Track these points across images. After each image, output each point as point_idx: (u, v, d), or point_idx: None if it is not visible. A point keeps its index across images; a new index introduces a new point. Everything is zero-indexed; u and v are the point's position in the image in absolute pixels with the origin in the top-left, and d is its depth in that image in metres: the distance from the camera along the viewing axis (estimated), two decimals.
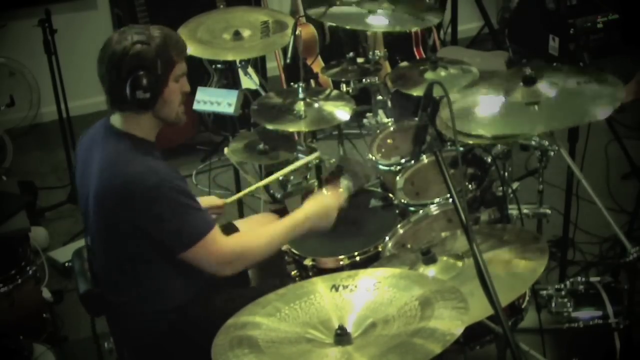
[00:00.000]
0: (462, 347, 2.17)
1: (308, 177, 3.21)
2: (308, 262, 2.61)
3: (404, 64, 3.33)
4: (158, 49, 2.22)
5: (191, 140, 4.86)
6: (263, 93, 3.36)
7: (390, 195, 2.87)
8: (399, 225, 2.59)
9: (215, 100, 3.31)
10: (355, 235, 2.74)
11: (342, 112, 3.02)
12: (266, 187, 3.27)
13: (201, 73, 4.62)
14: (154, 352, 2.41)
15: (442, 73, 3.09)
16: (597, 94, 2.33)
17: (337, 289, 1.81)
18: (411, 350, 1.57)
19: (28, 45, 4.85)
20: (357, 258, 2.61)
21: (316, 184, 3.15)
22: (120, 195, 2.21)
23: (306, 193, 3.01)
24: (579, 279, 2.61)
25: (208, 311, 2.36)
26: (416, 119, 1.99)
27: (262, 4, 5.05)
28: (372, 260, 2.56)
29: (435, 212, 2.60)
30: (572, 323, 2.50)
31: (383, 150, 3.13)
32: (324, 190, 2.59)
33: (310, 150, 3.15)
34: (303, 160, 2.93)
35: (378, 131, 3.22)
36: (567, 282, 2.59)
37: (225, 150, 3.19)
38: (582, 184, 2.29)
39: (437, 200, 2.62)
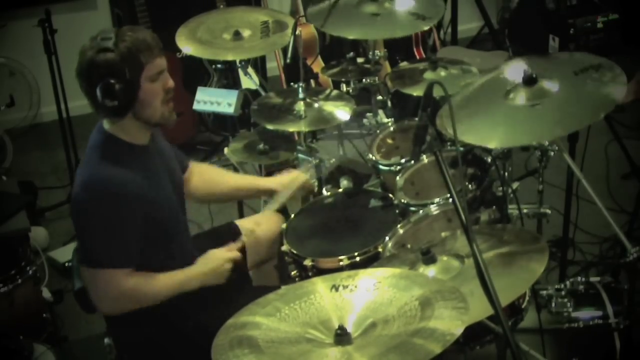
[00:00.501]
0: (462, 347, 2.17)
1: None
2: (308, 262, 2.61)
3: (404, 64, 3.33)
4: (123, 55, 2.20)
5: (191, 140, 4.86)
6: (263, 93, 3.36)
7: (390, 195, 2.87)
8: (399, 225, 2.59)
9: (215, 100, 3.32)
10: (355, 235, 2.74)
11: (342, 112, 3.02)
12: None
13: (201, 73, 4.63)
14: (153, 352, 2.41)
15: (442, 73, 3.09)
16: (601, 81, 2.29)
17: (337, 289, 1.81)
18: (411, 350, 1.57)
19: (28, 45, 4.85)
20: (357, 258, 2.61)
21: (316, 184, 3.16)
22: (74, 192, 2.30)
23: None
24: (579, 279, 2.61)
25: (207, 311, 2.36)
26: (416, 119, 1.99)
27: (262, 4, 5.05)
28: (372, 260, 2.55)
29: (435, 212, 2.60)
30: (572, 323, 2.50)
31: (383, 150, 3.13)
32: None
33: (311, 150, 3.15)
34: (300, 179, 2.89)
35: (378, 131, 3.22)
36: (567, 282, 2.59)
37: (225, 150, 3.19)
38: (582, 184, 2.29)
39: (437, 200, 2.62)
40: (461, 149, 2.72)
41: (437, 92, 1.92)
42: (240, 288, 2.51)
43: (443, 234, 2.32)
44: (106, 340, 2.51)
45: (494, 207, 2.65)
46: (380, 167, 3.00)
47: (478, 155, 2.76)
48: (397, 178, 2.82)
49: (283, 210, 3.03)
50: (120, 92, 2.22)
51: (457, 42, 5.43)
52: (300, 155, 3.16)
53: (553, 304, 2.52)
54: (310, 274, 2.60)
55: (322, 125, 3.16)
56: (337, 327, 1.66)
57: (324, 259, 2.63)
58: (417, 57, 4.95)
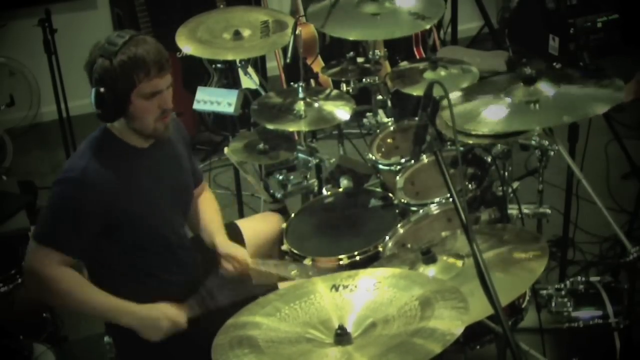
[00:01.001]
0: (462, 347, 2.17)
1: (308, 176, 3.21)
2: (308, 262, 2.61)
3: (404, 63, 3.33)
4: (118, 68, 2.20)
5: (191, 140, 4.84)
6: (263, 93, 3.36)
7: (390, 195, 2.87)
8: (399, 225, 2.59)
9: (215, 100, 3.32)
10: (355, 235, 2.74)
11: (342, 112, 3.02)
12: (266, 187, 3.27)
13: (201, 73, 4.62)
14: (153, 352, 2.41)
15: (442, 73, 3.09)
16: (597, 91, 2.34)
17: (337, 289, 1.81)
18: (411, 350, 1.57)
19: (28, 45, 4.85)
20: (357, 258, 2.61)
21: (316, 183, 3.16)
22: None
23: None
24: (579, 278, 2.61)
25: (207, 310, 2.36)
26: (416, 119, 1.99)
27: (262, 3, 5.05)
28: (372, 260, 2.55)
29: (435, 212, 2.60)
30: (572, 323, 2.50)
31: (383, 150, 3.13)
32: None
33: (311, 150, 3.15)
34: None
35: (378, 131, 3.22)
36: (567, 282, 2.59)
37: (225, 150, 3.19)
38: (582, 183, 2.29)
39: (437, 200, 2.62)
40: (461, 148, 2.72)
41: (437, 92, 1.92)
42: (239, 287, 2.51)
43: (443, 234, 2.33)
44: (106, 338, 2.51)
45: (494, 207, 2.65)
46: (380, 167, 3.00)
47: (478, 155, 2.77)
48: (397, 178, 2.82)
49: (283, 210, 3.03)
50: (109, 101, 2.23)
51: (457, 42, 5.43)
52: (300, 155, 3.16)
53: (553, 304, 2.53)
54: (310, 273, 2.60)
55: (322, 125, 3.16)
56: (337, 327, 1.66)
57: (324, 259, 2.63)
58: (417, 56, 4.95)
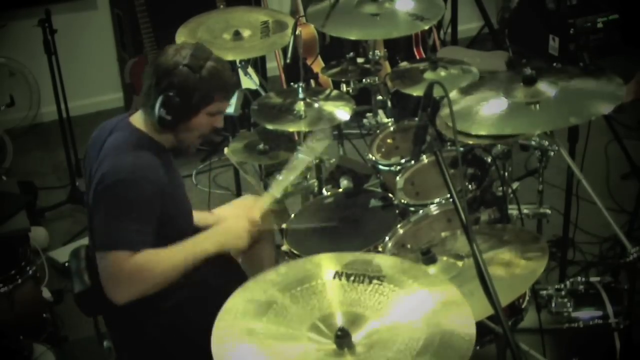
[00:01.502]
0: None
1: (308, 176, 3.21)
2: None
3: (404, 64, 3.33)
4: (201, 81, 2.27)
5: None
6: (263, 93, 3.36)
7: (390, 195, 2.87)
8: (399, 225, 2.59)
9: None
10: (355, 235, 2.74)
11: (342, 112, 3.02)
12: (266, 187, 3.27)
13: None
14: (152, 352, 2.41)
15: (442, 73, 3.09)
16: (598, 91, 2.33)
17: (340, 278, 1.79)
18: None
19: (28, 45, 4.85)
20: None
21: (316, 184, 3.16)
22: (97, 181, 2.27)
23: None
24: (579, 279, 2.61)
25: (206, 310, 2.35)
26: (416, 119, 1.99)
27: (262, 4, 5.05)
28: None
29: (435, 212, 2.60)
30: (572, 323, 2.50)
31: (383, 150, 3.13)
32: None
33: (311, 151, 3.15)
34: (302, 162, 2.90)
35: (378, 131, 3.22)
36: (567, 282, 2.59)
37: (225, 150, 3.19)
38: (582, 184, 2.29)
39: (437, 200, 2.62)
40: (461, 149, 2.72)
41: (437, 92, 1.92)
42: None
43: (443, 234, 2.33)
44: (106, 343, 2.51)
45: (494, 207, 2.65)
46: (380, 167, 3.00)
47: (478, 155, 2.76)
48: (397, 178, 2.82)
49: (283, 210, 3.03)
50: (178, 109, 2.28)
51: (457, 42, 5.44)
52: (300, 155, 3.15)
53: (553, 304, 2.52)
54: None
55: (322, 125, 3.16)
56: (337, 327, 1.65)
57: None
58: (417, 57, 4.95)
